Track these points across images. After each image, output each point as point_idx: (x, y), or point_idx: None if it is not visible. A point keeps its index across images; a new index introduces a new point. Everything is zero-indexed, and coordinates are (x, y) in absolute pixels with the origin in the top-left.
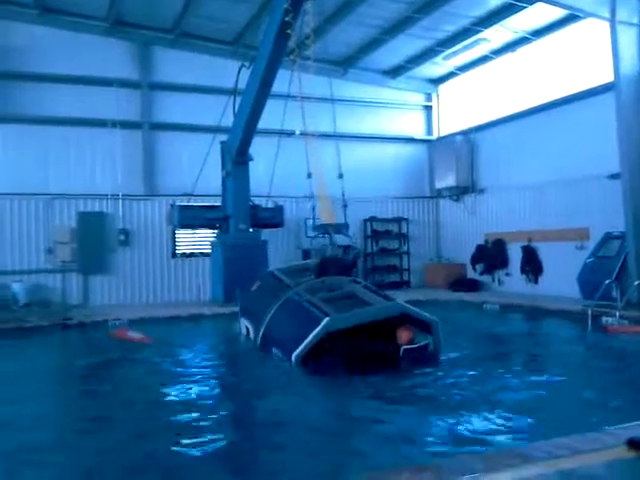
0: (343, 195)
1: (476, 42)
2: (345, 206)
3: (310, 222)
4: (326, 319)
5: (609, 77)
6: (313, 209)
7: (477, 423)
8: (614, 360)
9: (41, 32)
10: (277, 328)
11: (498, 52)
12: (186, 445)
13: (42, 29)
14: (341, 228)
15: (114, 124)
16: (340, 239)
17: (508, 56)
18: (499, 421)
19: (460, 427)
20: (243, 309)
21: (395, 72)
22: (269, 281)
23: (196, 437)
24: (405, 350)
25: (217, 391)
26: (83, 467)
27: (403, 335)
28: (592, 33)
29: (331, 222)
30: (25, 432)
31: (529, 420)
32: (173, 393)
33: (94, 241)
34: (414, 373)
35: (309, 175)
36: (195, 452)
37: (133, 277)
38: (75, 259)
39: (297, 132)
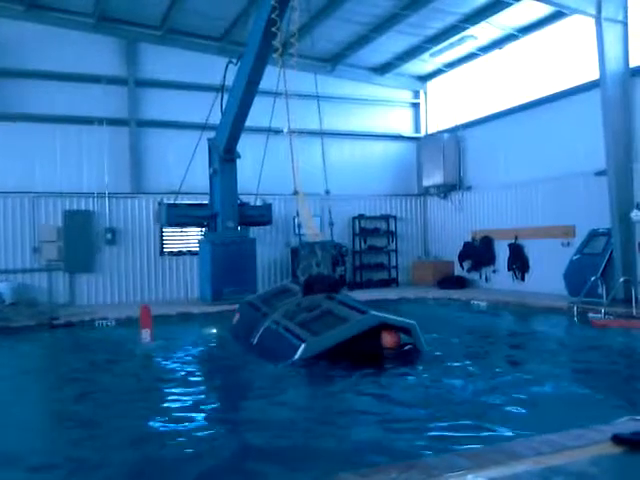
0: (330, 214)
1: (463, 39)
2: (332, 224)
3: (299, 220)
4: (302, 346)
5: (595, 74)
6: (299, 227)
7: (458, 420)
8: (600, 355)
9: (27, 28)
10: (262, 358)
11: (485, 49)
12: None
13: (28, 25)
14: (326, 245)
15: (101, 121)
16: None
17: (495, 53)
18: (483, 418)
19: (440, 424)
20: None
21: (383, 69)
22: (247, 311)
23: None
24: (387, 351)
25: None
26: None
27: (388, 339)
28: (578, 30)
29: (316, 239)
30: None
31: (515, 415)
32: (165, 391)
33: (81, 240)
34: (399, 371)
35: (295, 192)
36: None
37: (120, 276)
38: (62, 258)
39: (285, 130)
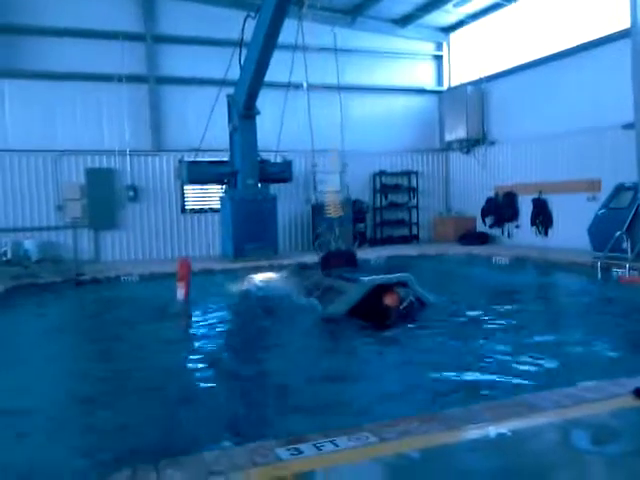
0: (348, 189)
1: None
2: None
3: (319, 176)
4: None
5: (624, 24)
6: (316, 203)
7: (479, 374)
8: (627, 311)
9: None
10: None
11: None
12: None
13: None
14: (344, 221)
15: (120, 78)
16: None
17: (521, 2)
18: (506, 371)
19: (465, 377)
20: None
21: (405, 21)
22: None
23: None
24: (392, 310)
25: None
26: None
27: (388, 299)
28: None
29: (335, 215)
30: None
31: (534, 370)
32: (196, 346)
33: (104, 197)
34: (408, 327)
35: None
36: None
37: (143, 233)
38: (85, 215)
39: (304, 85)
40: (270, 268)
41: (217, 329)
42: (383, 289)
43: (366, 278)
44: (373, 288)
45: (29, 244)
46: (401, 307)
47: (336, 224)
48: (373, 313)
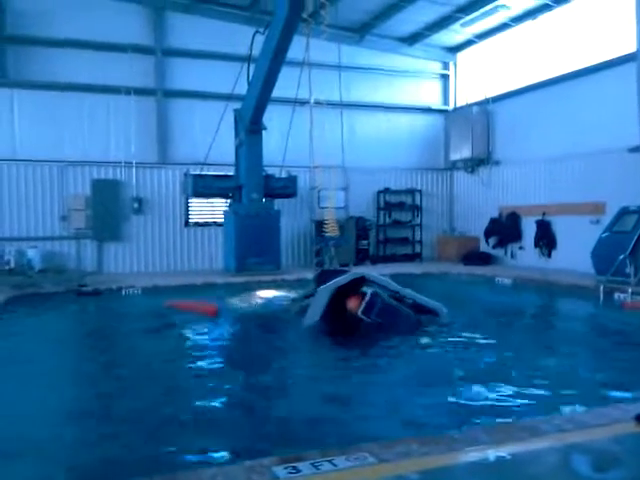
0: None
1: (495, 9)
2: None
3: (324, 192)
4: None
5: (630, 48)
6: (312, 221)
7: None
8: (628, 336)
9: None
10: None
11: (518, 19)
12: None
13: None
14: (340, 241)
15: (128, 91)
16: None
17: (528, 24)
18: (501, 393)
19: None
20: None
21: (412, 39)
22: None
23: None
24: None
25: None
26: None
27: (349, 304)
28: (615, 1)
29: (332, 234)
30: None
31: (533, 393)
32: (193, 358)
33: (108, 208)
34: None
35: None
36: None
37: (146, 245)
38: (89, 226)
39: (311, 101)
40: (272, 283)
41: (210, 344)
42: (350, 292)
43: (329, 283)
44: (335, 292)
45: (32, 253)
46: (359, 311)
47: (332, 243)
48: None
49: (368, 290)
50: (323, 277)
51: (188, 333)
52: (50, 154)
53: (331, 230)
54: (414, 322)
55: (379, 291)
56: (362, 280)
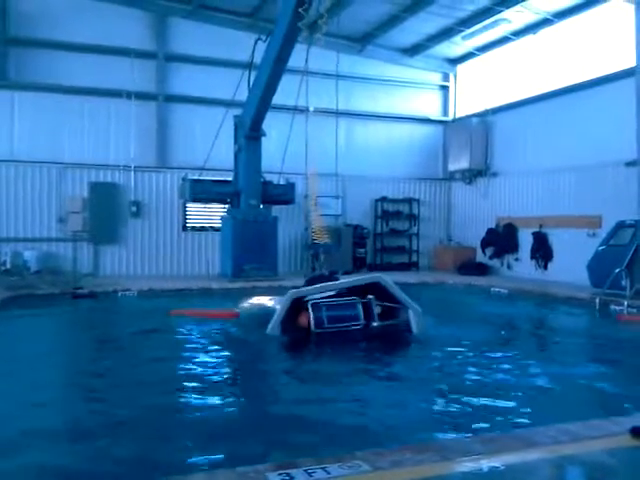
0: (337, 217)
1: (497, 22)
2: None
3: (322, 200)
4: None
5: (629, 63)
6: (306, 229)
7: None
8: (623, 349)
9: (57, 0)
10: None
11: (519, 33)
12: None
13: None
14: (330, 248)
15: (129, 95)
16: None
17: (528, 38)
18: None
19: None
20: None
21: (413, 50)
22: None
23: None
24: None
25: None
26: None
27: (301, 320)
28: (613, 17)
29: (321, 241)
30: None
31: (528, 404)
32: (186, 361)
33: (106, 211)
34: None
35: (305, 196)
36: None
37: (143, 249)
38: (86, 229)
39: (311, 109)
40: (268, 289)
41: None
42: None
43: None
44: (293, 304)
45: (29, 255)
46: (312, 327)
47: (321, 250)
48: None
49: (309, 304)
50: (312, 283)
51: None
52: (49, 156)
53: (319, 237)
54: (364, 324)
55: (320, 302)
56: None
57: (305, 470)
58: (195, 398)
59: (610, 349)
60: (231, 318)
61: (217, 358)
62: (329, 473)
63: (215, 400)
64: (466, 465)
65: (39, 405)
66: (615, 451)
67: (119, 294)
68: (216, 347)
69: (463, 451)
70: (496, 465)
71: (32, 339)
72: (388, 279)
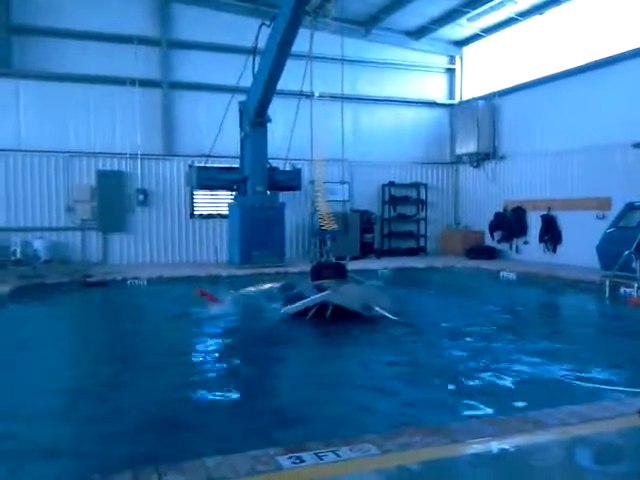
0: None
1: (502, 3)
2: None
3: (329, 186)
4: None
5: (637, 43)
6: (312, 216)
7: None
8: (631, 332)
9: None
10: None
11: (525, 14)
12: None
13: None
14: (336, 234)
15: (133, 82)
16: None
17: (535, 19)
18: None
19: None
20: None
21: (419, 33)
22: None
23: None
24: None
25: None
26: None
27: None
28: None
29: (328, 228)
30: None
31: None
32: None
33: (114, 200)
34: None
35: (311, 182)
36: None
37: (151, 237)
38: (95, 217)
39: (316, 94)
40: (276, 275)
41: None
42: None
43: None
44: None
45: (38, 244)
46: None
47: (328, 236)
48: None
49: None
50: (319, 270)
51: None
52: (55, 145)
53: (325, 224)
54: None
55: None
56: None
57: (315, 453)
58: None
59: (613, 334)
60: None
61: None
62: (339, 456)
63: None
64: (475, 447)
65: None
66: (624, 432)
67: (128, 282)
68: None
69: (472, 433)
70: (505, 447)
71: (47, 327)
72: (337, 299)
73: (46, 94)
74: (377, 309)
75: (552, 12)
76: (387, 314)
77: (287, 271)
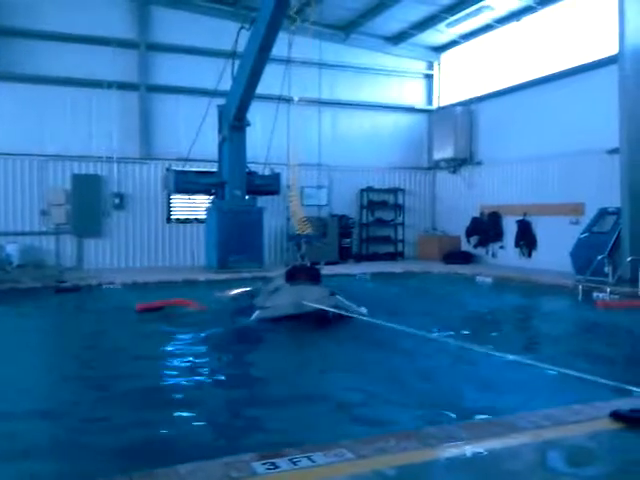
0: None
1: (480, 10)
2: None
3: (307, 190)
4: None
5: (612, 50)
6: (288, 220)
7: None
8: (599, 334)
9: None
10: None
11: (502, 21)
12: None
13: None
14: (312, 239)
15: (110, 85)
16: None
17: (512, 25)
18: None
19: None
20: None
21: (397, 39)
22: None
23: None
24: None
25: None
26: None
27: None
28: (598, 3)
29: (302, 232)
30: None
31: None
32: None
33: (89, 203)
34: None
35: (287, 186)
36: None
37: (127, 241)
38: (69, 221)
39: (295, 99)
40: (254, 280)
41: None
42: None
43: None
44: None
45: (11, 248)
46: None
47: (303, 241)
48: None
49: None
50: (294, 273)
51: None
52: (30, 148)
53: (300, 228)
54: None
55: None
56: None
57: (290, 459)
58: None
59: (588, 334)
60: (197, 309)
61: None
62: (314, 461)
63: None
64: (450, 451)
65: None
66: (596, 435)
67: (103, 287)
68: None
69: (446, 437)
70: (479, 451)
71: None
72: (266, 314)
73: (21, 96)
74: (309, 304)
75: (528, 19)
76: (326, 308)
77: (265, 276)
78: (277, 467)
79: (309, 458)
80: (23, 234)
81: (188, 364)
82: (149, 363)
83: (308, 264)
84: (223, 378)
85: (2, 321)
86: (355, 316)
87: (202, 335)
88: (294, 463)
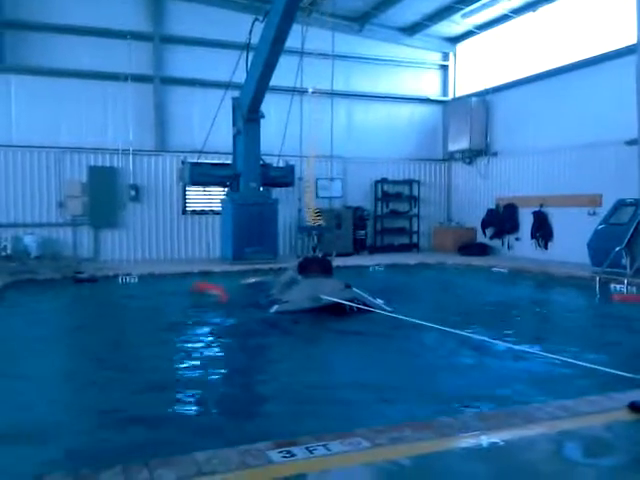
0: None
1: (496, 0)
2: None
3: (321, 182)
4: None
5: (630, 40)
6: (299, 211)
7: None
8: (617, 328)
9: None
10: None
11: (518, 11)
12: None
13: None
14: (322, 230)
15: (125, 78)
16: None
17: (528, 15)
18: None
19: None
20: None
21: (412, 30)
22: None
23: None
24: None
25: None
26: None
27: None
28: None
29: (314, 223)
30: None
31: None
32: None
33: (105, 195)
34: None
35: (300, 178)
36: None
37: (143, 233)
38: (86, 213)
39: (310, 90)
40: (269, 272)
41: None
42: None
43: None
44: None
45: (29, 240)
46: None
47: (315, 232)
48: None
49: None
50: (306, 265)
51: None
52: (47, 140)
53: (312, 219)
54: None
55: None
56: None
57: (306, 447)
58: None
59: (604, 327)
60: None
61: None
62: (330, 450)
63: None
64: (466, 441)
65: None
66: (613, 425)
67: (120, 279)
68: None
69: (462, 428)
70: (495, 441)
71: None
72: (284, 307)
73: (38, 89)
74: (326, 298)
75: (545, 9)
76: (345, 302)
77: (280, 267)
78: (293, 455)
79: (325, 446)
80: (40, 225)
81: (212, 353)
82: (167, 351)
83: (320, 255)
84: (241, 368)
85: (39, 308)
86: (373, 310)
87: (225, 325)
88: (310, 451)
